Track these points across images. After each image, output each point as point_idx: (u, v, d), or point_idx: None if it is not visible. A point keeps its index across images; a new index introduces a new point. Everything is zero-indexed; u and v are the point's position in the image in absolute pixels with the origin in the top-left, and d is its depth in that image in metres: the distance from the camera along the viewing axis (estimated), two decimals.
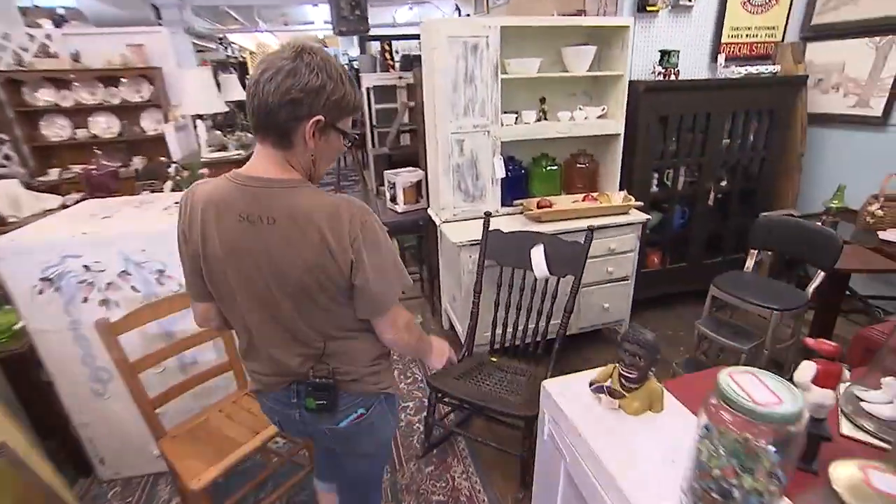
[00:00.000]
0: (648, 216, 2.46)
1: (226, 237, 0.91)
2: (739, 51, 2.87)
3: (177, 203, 1.80)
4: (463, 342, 2.42)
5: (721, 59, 2.78)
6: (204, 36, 6.57)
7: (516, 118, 2.43)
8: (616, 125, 2.53)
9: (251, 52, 11.80)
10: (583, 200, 2.52)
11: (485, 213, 2.08)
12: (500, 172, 2.42)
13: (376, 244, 0.94)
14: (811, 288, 1.99)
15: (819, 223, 2.27)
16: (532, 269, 1.99)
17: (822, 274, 1.97)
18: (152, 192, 3.00)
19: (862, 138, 2.79)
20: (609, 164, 2.67)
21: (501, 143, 2.39)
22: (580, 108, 2.54)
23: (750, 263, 2.24)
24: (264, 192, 0.90)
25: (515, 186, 2.60)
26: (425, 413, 2.15)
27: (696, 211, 2.88)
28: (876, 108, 2.70)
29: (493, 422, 2.16)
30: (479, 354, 2.08)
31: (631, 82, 2.47)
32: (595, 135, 2.57)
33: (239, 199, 0.90)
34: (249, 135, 4.49)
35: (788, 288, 2.06)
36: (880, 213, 2.52)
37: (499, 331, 2.09)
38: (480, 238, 2.09)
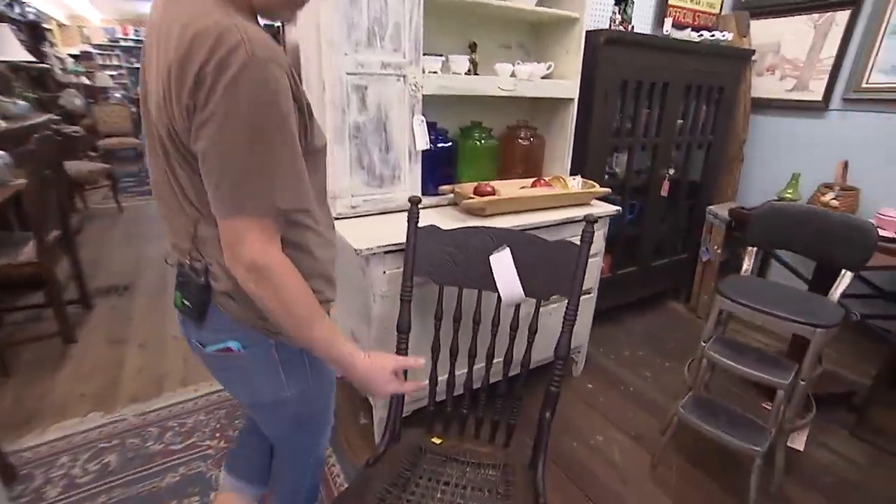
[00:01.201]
0: (618, 207, 1.84)
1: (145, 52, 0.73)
2: (684, 17, 2.47)
3: None
4: (380, 419, 1.54)
5: (668, 23, 2.33)
6: None
7: (443, 63, 1.65)
8: (570, 87, 1.89)
9: (60, 24, 9.31)
10: (532, 186, 1.83)
11: (410, 200, 1.24)
12: (423, 141, 1.60)
13: (233, 105, 0.60)
14: (837, 294, 1.53)
15: None
16: (495, 289, 1.21)
17: (850, 276, 1.52)
18: None
19: (802, 125, 2.55)
20: (557, 141, 2.03)
21: (423, 97, 1.58)
22: (519, 63, 1.84)
23: (747, 266, 1.74)
24: None
25: (437, 168, 1.81)
26: None
27: (647, 204, 2.39)
28: (816, 91, 2.48)
29: None
30: (413, 437, 1.23)
31: (587, 32, 1.85)
32: (541, 98, 1.91)
33: (162, 5, 0.68)
34: (21, 102, 3.03)
35: (806, 295, 1.59)
36: (835, 202, 2.25)
37: (439, 383, 1.27)
38: (404, 241, 1.24)
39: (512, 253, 1.21)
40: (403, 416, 1.27)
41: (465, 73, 1.73)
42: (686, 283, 2.77)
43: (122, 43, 10.22)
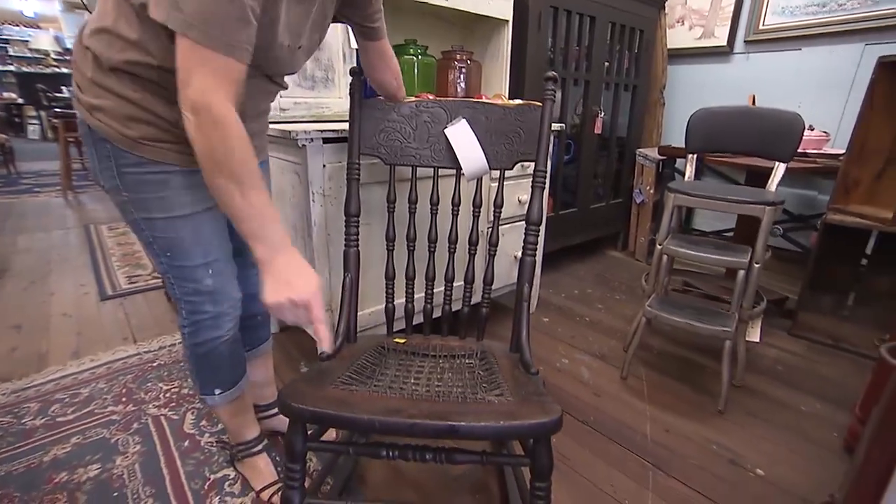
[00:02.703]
0: (562, 123, 1.80)
1: None
2: None
3: None
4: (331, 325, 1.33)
5: None
6: None
7: None
8: (504, 6, 1.83)
9: None
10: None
11: (351, 72, 1.08)
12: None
13: None
14: (774, 185, 1.59)
15: None
16: (453, 166, 1.08)
17: (783, 167, 1.59)
18: None
19: (712, 69, 2.74)
20: (493, 68, 1.96)
21: None
22: None
23: (690, 171, 1.77)
24: None
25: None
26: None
27: (582, 143, 2.40)
28: (721, 37, 2.66)
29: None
30: (371, 339, 1.05)
31: None
32: (475, 17, 1.84)
33: None
34: None
35: (746, 188, 1.64)
36: None
37: (397, 297, 1.11)
38: (346, 128, 1.08)
39: (469, 124, 1.10)
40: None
41: None
42: (622, 229, 2.83)
43: None
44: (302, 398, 0.70)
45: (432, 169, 1.10)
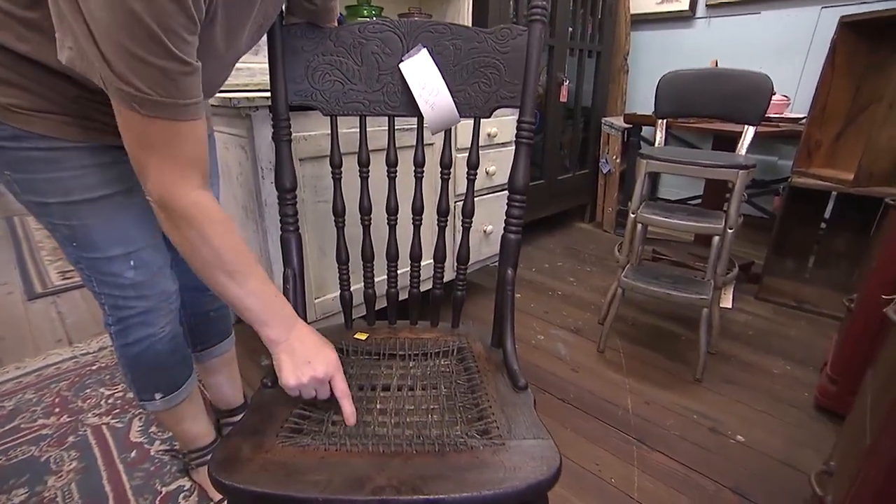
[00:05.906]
0: None
1: None
2: None
3: None
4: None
5: None
6: None
7: None
8: None
9: None
10: None
11: None
12: None
13: None
14: (744, 148, 1.57)
15: None
16: (413, 113, 0.91)
17: (753, 130, 1.56)
18: None
19: (675, 35, 2.70)
20: None
21: None
22: None
23: (660, 137, 1.73)
24: None
25: None
26: None
27: (548, 113, 2.32)
28: (683, 1, 2.62)
29: None
30: (327, 337, 0.94)
31: None
32: None
33: None
34: None
35: (717, 153, 1.61)
36: None
37: (354, 283, 0.98)
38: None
39: (430, 55, 0.84)
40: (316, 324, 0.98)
41: None
42: (589, 200, 2.80)
43: None
44: (237, 468, 0.58)
45: (387, 119, 0.87)
